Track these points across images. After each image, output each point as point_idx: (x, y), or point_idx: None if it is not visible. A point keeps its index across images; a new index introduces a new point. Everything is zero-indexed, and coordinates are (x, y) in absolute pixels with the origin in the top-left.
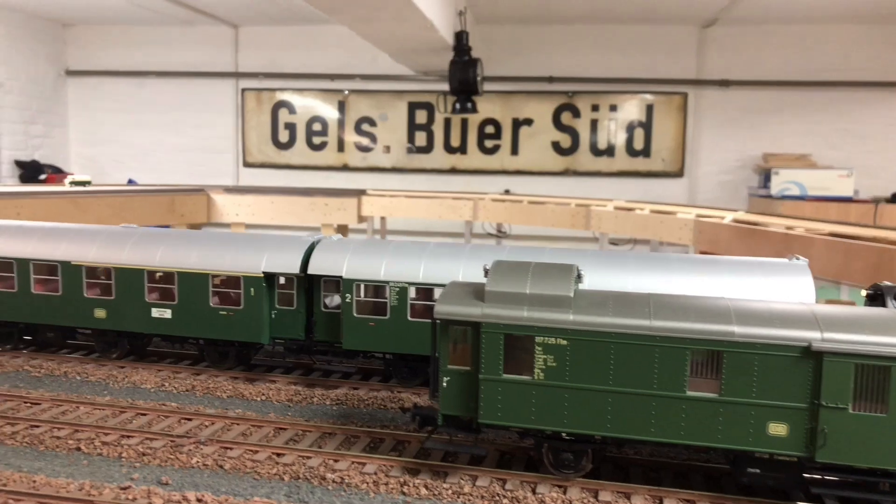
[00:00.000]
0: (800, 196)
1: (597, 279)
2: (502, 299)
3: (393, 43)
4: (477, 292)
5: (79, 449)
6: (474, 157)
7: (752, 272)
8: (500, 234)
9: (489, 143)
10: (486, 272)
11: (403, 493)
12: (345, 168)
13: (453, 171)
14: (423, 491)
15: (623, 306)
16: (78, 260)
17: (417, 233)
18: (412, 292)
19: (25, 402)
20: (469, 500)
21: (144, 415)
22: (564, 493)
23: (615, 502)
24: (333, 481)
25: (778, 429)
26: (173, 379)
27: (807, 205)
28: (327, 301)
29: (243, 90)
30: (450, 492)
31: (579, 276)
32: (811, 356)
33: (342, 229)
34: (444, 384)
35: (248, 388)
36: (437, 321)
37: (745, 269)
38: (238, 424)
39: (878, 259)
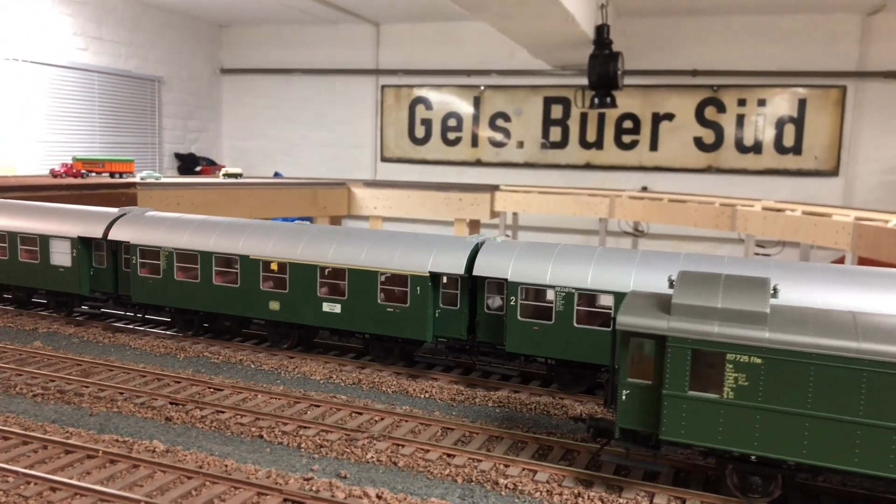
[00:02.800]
0: None
1: (785, 293)
2: (691, 312)
3: (532, 38)
4: (662, 304)
5: (261, 437)
6: (611, 153)
7: None
8: (638, 233)
9: (627, 139)
10: (672, 283)
11: None
12: (478, 163)
13: (588, 166)
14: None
15: (825, 325)
16: (256, 254)
17: (550, 229)
18: (578, 298)
19: (209, 388)
20: None
21: (317, 406)
22: None
23: None
24: (506, 487)
25: None
26: (340, 371)
27: None
28: (490, 302)
29: (383, 87)
30: None
31: (775, 291)
32: None
33: (474, 224)
34: (623, 397)
35: (412, 384)
36: (619, 332)
37: None
38: (406, 421)
39: None
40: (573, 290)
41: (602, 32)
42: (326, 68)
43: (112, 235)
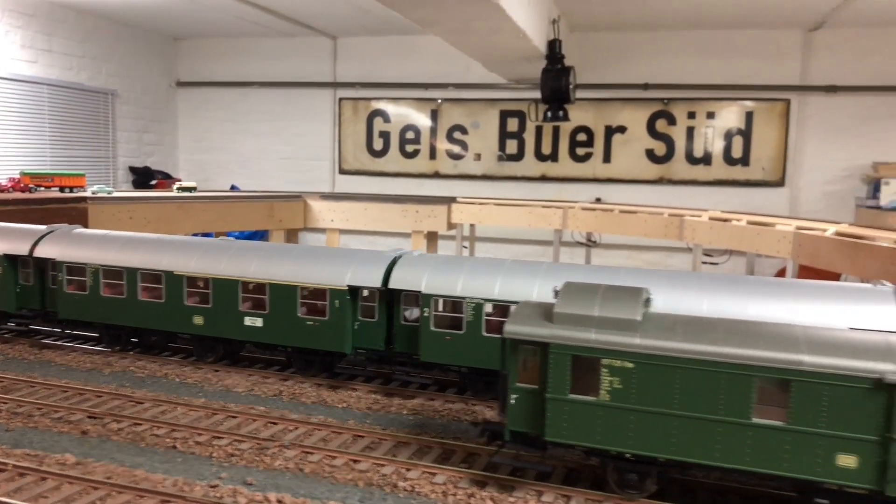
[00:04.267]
0: None
1: (675, 301)
2: (571, 321)
3: (486, 53)
4: (546, 313)
5: (174, 447)
6: (566, 165)
7: (833, 298)
8: (591, 244)
9: (581, 151)
10: (556, 293)
11: None
12: (436, 175)
13: (544, 178)
14: (489, 503)
15: (692, 331)
16: (180, 270)
17: (507, 240)
18: (487, 308)
19: (130, 401)
20: None
21: (234, 417)
22: None
23: None
24: (404, 489)
25: (847, 460)
26: (262, 384)
27: None
28: (407, 314)
29: (340, 99)
30: None
31: (648, 300)
32: (883, 389)
33: (432, 236)
34: (513, 401)
35: (331, 394)
36: (507, 339)
37: (825, 295)
38: (319, 430)
39: None
40: (482, 301)
41: (554, 47)
42: (284, 81)
43: (38, 252)
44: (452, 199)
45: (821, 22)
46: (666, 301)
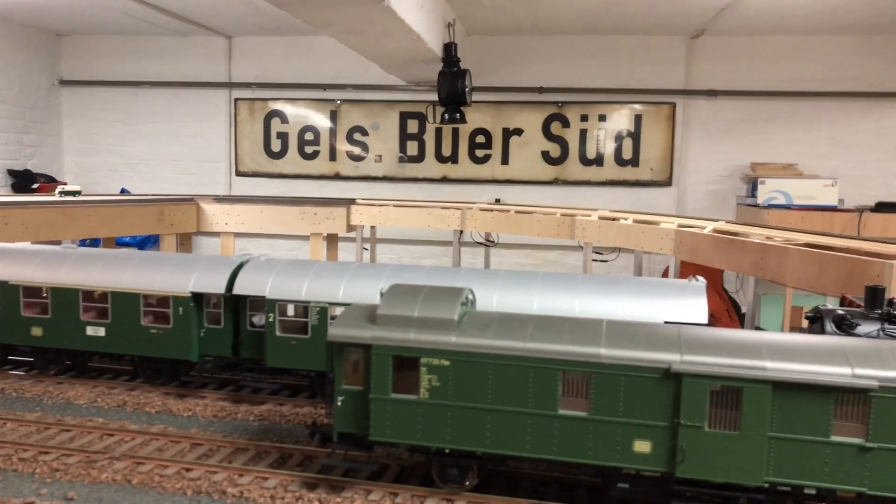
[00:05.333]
0: (786, 205)
1: (510, 300)
2: (393, 322)
3: (382, 55)
4: (371, 315)
5: None
6: (465, 167)
7: (652, 294)
8: (489, 244)
9: (480, 153)
10: (382, 295)
11: None
12: (337, 177)
13: (445, 179)
14: None
15: (504, 328)
16: (16, 280)
17: (408, 241)
18: (333, 312)
19: None
20: None
21: (68, 431)
22: None
23: None
24: (233, 495)
25: (642, 446)
26: (107, 395)
27: (793, 214)
28: (255, 320)
29: (236, 100)
30: None
31: (468, 301)
32: (671, 378)
33: (332, 239)
34: (339, 403)
35: (178, 403)
36: (331, 343)
37: (645, 291)
38: (157, 440)
39: (849, 269)
40: (327, 305)
41: (450, 50)
42: (177, 81)
43: None
44: (352, 201)
45: (702, 30)
46: (500, 300)
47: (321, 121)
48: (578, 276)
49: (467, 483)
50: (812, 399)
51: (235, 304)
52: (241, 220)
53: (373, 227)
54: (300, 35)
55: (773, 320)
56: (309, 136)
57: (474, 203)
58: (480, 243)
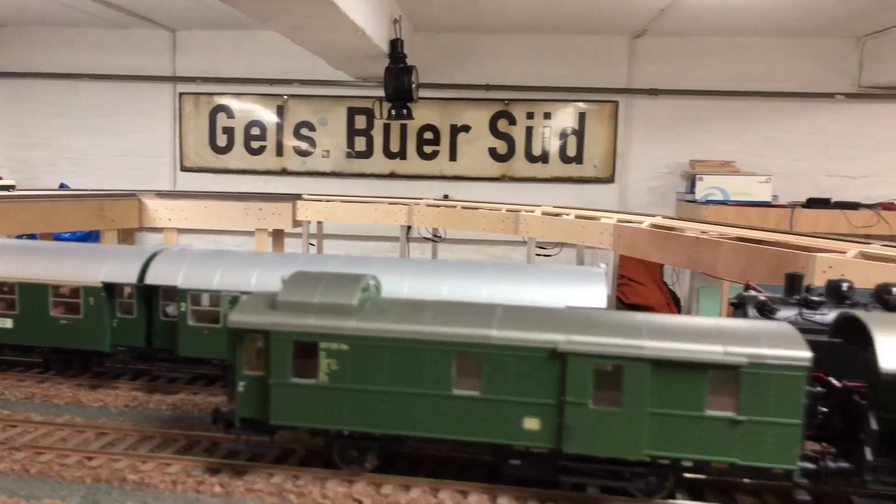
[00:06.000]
0: (723, 201)
1: (416, 287)
2: (293, 308)
3: (327, 50)
4: (271, 302)
5: None
6: (414, 163)
7: (555, 280)
8: (437, 239)
9: (428, 149)
10: (283, 282)
11: (197, 492)
12: (284, 172)
13: (393, 175)
14: (217, 489)
15: (402, 313)
16: None
17: (356, 237)
18: None
19: None
20: (259, 496)
21: None
22: (350, 486)
23: (395, 494)
24: (134, 482)
25: (532, 423)
26: (15, 387)
27: (729, 209)
28: (169, 310)
29: (181, 94)
30: (242, 489)
31: (368, 287)
32: (557, 357)
33: (278, 234)
34: (241, 388)
35: (88, 394)
36: (231, 329)
37: (549, 278)
38: (61, 430)
39: (777, 261)
40: (239, 294)
41: (396, 46)
42: (119, 74)
43: None
44: (298, 197)
45: (643, 30)
46: (411, 287)
47: (268, 116)
48: (488, 264)
49: (367, 464)
50: (688, 376)
51: (148, 294)
52: (185, 216)
53: (319, 223)
54: (246, 29)
55: (711, 312)
56: (255, 131)
57: (421, 199)
58: (428, 239)
